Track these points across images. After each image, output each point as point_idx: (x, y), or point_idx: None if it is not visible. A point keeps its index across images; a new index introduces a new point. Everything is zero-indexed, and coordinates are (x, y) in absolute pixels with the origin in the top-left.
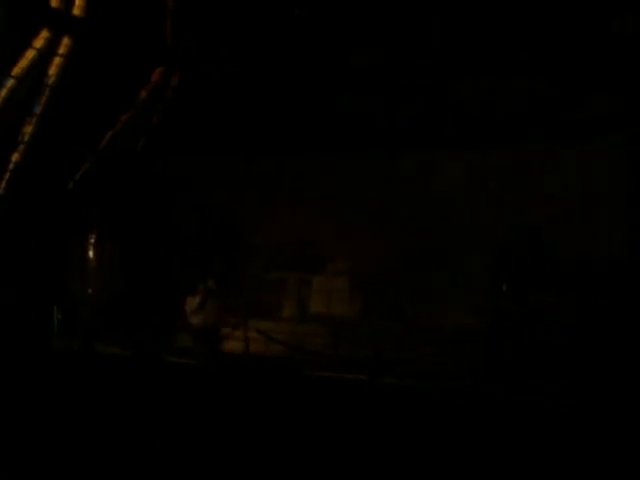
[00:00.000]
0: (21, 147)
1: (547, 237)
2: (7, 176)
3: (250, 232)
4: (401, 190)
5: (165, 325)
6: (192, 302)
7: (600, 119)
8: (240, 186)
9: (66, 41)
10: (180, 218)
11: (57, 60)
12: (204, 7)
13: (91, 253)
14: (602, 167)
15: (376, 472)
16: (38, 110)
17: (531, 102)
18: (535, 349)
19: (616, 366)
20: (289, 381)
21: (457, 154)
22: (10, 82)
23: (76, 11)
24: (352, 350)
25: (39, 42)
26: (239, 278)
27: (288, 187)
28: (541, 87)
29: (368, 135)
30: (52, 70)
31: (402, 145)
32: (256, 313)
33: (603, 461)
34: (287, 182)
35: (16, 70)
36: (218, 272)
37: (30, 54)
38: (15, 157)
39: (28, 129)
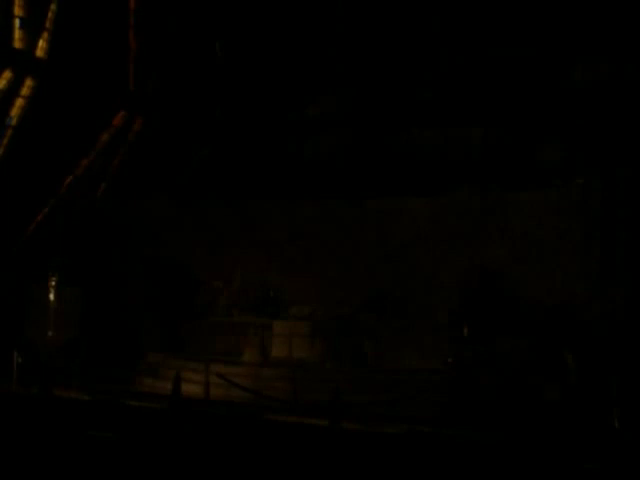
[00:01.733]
0: None
1: (507, 281)
2: None
3: (211, 276)
4: (362, 234)
5: (124, 369)
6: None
7: (556, 165)
8: (202, 230)
9: (29, 82)
10: (138, 263)
11: (19, 102)
12: (166, 52)
13: (51, 297)
14: (559, 212)
15: None
16: None
17: (488, 149)
18: (495, 392)
19: (574, 408)
20: (249, 426)
21: (417, 199)
22: None
23: (39, 53)
24: (313, 394)
25: (1, 83)
26: (200, 323)
27: (250, 231)
28: (498, 135)
29: (330, 181)
30: (14, 111)
31: (363, 191)
32: (218, 357)
33: None
34: (249, 226)
35: None
36: (178, 316)
37: None
38: None
39: None
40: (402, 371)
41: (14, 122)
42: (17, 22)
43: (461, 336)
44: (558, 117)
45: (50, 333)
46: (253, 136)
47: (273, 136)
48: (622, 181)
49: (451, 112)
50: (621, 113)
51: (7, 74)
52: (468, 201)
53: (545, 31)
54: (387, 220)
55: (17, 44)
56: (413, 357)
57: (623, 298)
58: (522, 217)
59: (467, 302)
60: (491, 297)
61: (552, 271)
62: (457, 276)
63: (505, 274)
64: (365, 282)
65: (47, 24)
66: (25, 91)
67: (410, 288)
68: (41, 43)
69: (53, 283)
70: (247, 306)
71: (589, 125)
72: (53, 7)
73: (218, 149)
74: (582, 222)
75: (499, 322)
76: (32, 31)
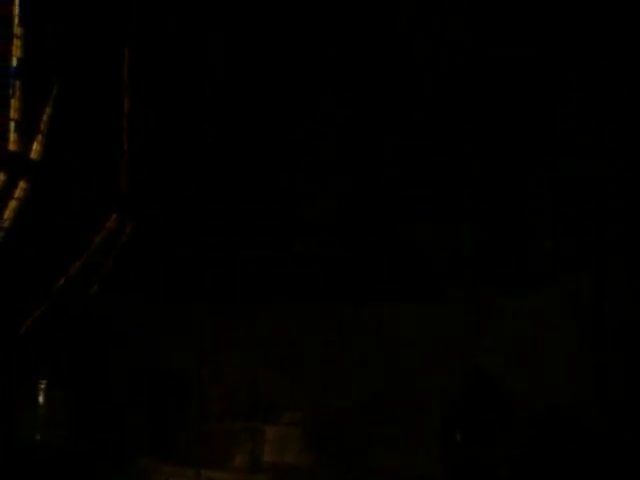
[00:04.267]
0: None
1: (500, 383)
2: None
3: (202, 380)
4: (355, 338)
5: (114, 474)
6: None
7: (549, 266)
8: (192, 333)
9: (22, 185)
10: (128, 366)
11: (13, 204)
12: (160, 156)
13: (41, 399)
14: (552, 311)
15: None
16: None
17: (479, 248)
18: None
19: None
20: None
21: (410, 305)
22: None
23: (34, 155)
24: None
25: None
26: (190, 427)
27: (241, 334)
28: (489, 235)
29: (322, 284)
30: (7, 213)
31: (355, 293)
32: (209, 463)
33: None
34: (240, 329)
35: None
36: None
37: None
38: None
39: None
40: (395, 475)
41: (7, 224)
42: (12, 125)
43: (454, 441)
44: (548, 210)
45: (38, 437)
46: (243, 236)
47: (263, 237)
48: (613, 277)
49: (441, 209)
50: (611, 203)
51: (1, 176)
52: (460, 306)
53: (534, 122)
54: (380, 324)
55: (12, 146)
56: (406, 461)
57: (617, 398)
58: (515, 319)
59: (460, 406)
60: (485, 401)
61: (545, 372)
62: (451, 379)
63: (498, 376)
64: (359, 385)
65: (42, 127)
66: (19, 193)
67: (403, 391)
68: (35, 145)
69: (42, 386)
70: (238, 411)
71: (579, 217)
72: (48, 110)
73: (209, 250)
74: (575, 321)
75: (493, 427)
76: (27, 134)
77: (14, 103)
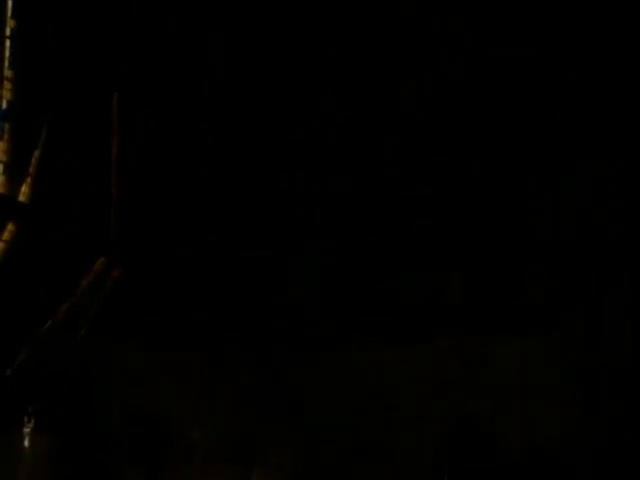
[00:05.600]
0: None
1: (489, 428)
2: None
3: (187, 425)
4: (340, 383)
5: None
6: None
7: (538, 309)
8: (180, 378)
9: (10, 227)
10: (115, 410)
11: (0, 246)
12: (148, 201)
13: (25, 444)
14: (542, 357)
15: None
16: None
17: (469, 294)
18: None
19: None
20: None
21: (399, 349)
22: None
23: (22, 198)
24: None
25: None
26: (178, 472)
27: (228, 379)
28: (479, 278)
29: (308, 329)
30: None
31: (345, 339)
32: None
33: None
34: (227, 374)
35: None
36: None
37: None
38: None
39: None
40: None
41: None
42: (1, 167)
43: None
44: (539, 256)
45: None
46: (230, 285)
47: (252, 281)
48: (607, 326)
49: (432, 256)
50: (606, 248)
51: None
52: (450, 351)
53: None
54: (369, 369)
55: (0, 189)
56: None
57: (606, 445)
58: (504, 364)
59: (448, 450)
60: (471, 447)
61: (534, 419)
62: (439, 424)
63: (485, 423)
64: (348, 429)
65: (30, 170)
66: (6, 236)
67: (392, 435)
68: (24, 188)
69: (27, 430)
70: (225, 455)
71: (571, 262)
72: (37, 153)
73: (196, 299)
74: (565, 367)
75: (480, 473)
76: (15, 176)
77: (3, 145)
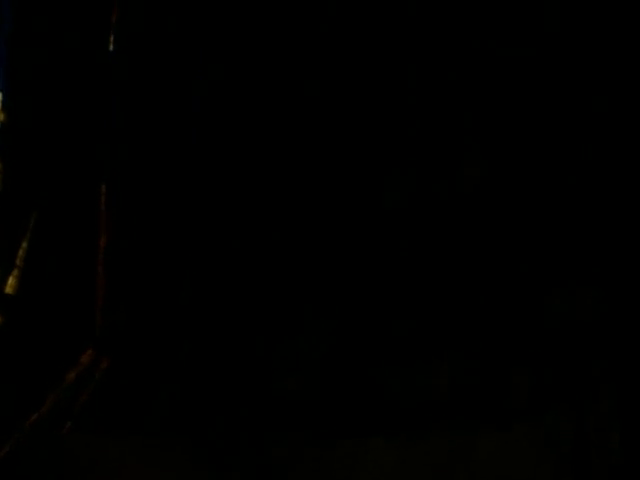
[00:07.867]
0: None
1: None
2: None
3: None
4: (328, 473)
5: None
6: None
7: (526, 401)
8: (167, 467)
9: None
10: None
11: None
12: (137, 290)
13: None
14: (530, 450)
15: None
16: None
17: (456, 386)
18: None
19: None
20: None
21: (383, 443)
22: None
23: (9, 290)
24: None
25: None
26: None
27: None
28: (465, 369)
29: (297, 418)
30: None
31: (330, 431)
32: None
33: None
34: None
35: None
36: None
37: None
38: None
39: None
40: None
41: None
42: None
43: None
44: (528, 348)
45: None
46: (217, 372)
47: (238, 373)
48: (597, 418)
49: (418, 348)
50: (595, 342)
51: None
52: (435, 446)
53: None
54: (353, 462)
55: None
56: None
57: None
58: (490, 458)
59: None
60: None
61: None
62: None
63: None
64: None
65: (17, 261)
66: None
67: None
68: (11, 280)
69: None
70: None
71: (560, 356)
72: (24, 245)
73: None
74: (553, 459)
75: None
76: (2, 268)
77: None
